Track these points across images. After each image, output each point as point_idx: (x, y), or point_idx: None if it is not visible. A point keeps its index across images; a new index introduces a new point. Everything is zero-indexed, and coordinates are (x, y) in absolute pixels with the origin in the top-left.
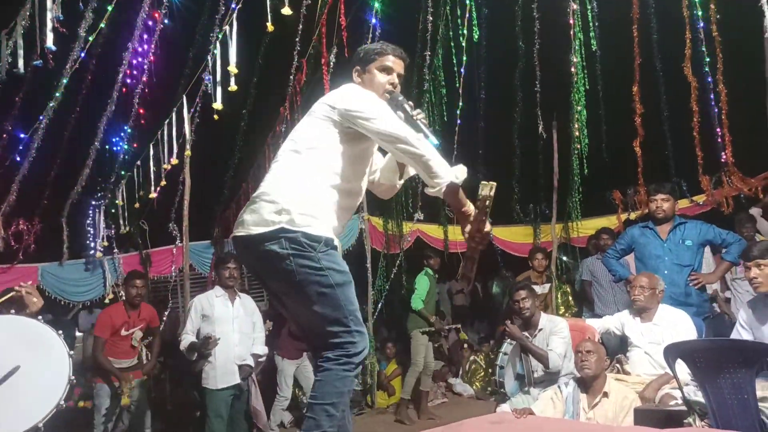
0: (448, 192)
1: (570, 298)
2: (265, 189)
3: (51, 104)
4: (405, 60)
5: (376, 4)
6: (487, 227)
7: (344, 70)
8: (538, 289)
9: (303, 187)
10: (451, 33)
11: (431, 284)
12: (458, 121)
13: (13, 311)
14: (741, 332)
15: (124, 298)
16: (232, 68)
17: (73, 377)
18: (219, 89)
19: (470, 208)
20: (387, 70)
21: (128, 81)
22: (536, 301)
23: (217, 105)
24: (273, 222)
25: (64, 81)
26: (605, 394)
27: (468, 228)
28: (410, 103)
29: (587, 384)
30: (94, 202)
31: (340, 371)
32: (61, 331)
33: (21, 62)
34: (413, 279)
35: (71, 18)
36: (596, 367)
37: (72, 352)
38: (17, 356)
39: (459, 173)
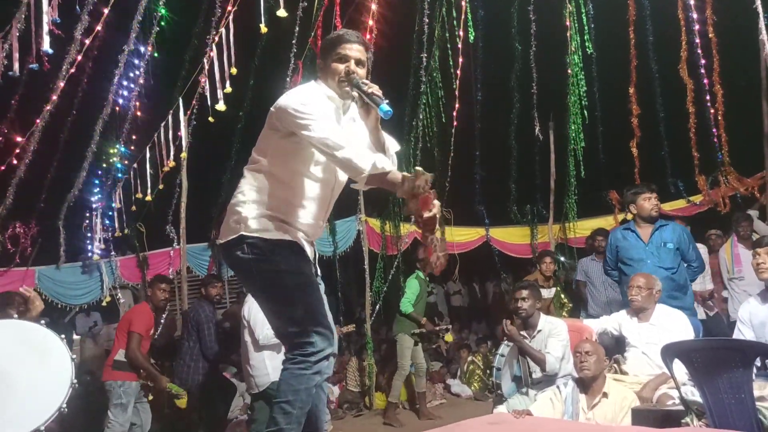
0: (372, 180)
1: (562, 296)
2: (232, 201)
3: (47, 107)
4: (363, 44)
5: (372, 6)
6: (430, 213)
7: None
8: (545, 293)
9: (261, 195)
10: (447, 34)
11: (421, 287)
12: (455, 123)
13: (15, 315)
14: (742, 329)
15: (122, 301)
16: (232, 69)
17: (75, 381)
18: (219, 91)
19: (406, 185)
20: (343, 59)
21: (124, 83)
22: (537, 302)
23: (220, 106)
24: (235, 230)
25: (61, 84)
26: (605, 395)
27: (411, 207)
28: (365, 80)
29: (586, 384)
30: (90, 205)
31: (295, 370)
32: (63, 336)
33: (17, 65)
34: None
35: (67, 21)
36: (595, 368)
37: (75, 357)
38: (19, 360)
39: (378, 162)
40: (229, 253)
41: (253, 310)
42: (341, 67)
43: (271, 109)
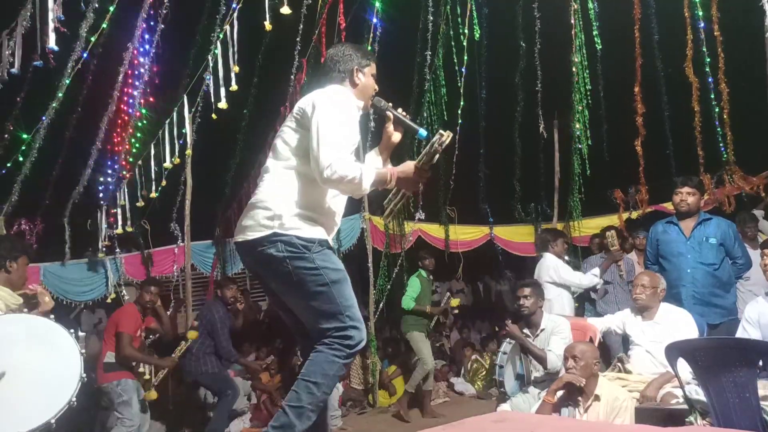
0: (376, 185)
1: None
2: (259, 197)
3: (53, 104)
4: None
5: (377, 4)
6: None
7: None
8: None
9: (292, 193)
10: (451, 32)
11: (424, 285)
12: (459, 121)
13: (25, 310)
14: (747, 328)
15: (126, 298)
16: (235, 67)
17: (84, 375)
18: (222, 89)
19: (408, 168)
20: (374, 77)
21: (129, 80)
22: (540, 301)
23: (223, 104)
24: (267, 227)
25: (66, 81)
26: (596, 397)
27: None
28: (390, 103)
29: (579, 388)
30: (96, 202)
31: (330, 354)
32: (72, 330)
33: (20, 62)
34: None
35: (72, 17)
36: (584, 374)
37: (84, 351)
38: (29, 354)
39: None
40: (256, 251)
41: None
42: (374, 84)
43: (303, 106)
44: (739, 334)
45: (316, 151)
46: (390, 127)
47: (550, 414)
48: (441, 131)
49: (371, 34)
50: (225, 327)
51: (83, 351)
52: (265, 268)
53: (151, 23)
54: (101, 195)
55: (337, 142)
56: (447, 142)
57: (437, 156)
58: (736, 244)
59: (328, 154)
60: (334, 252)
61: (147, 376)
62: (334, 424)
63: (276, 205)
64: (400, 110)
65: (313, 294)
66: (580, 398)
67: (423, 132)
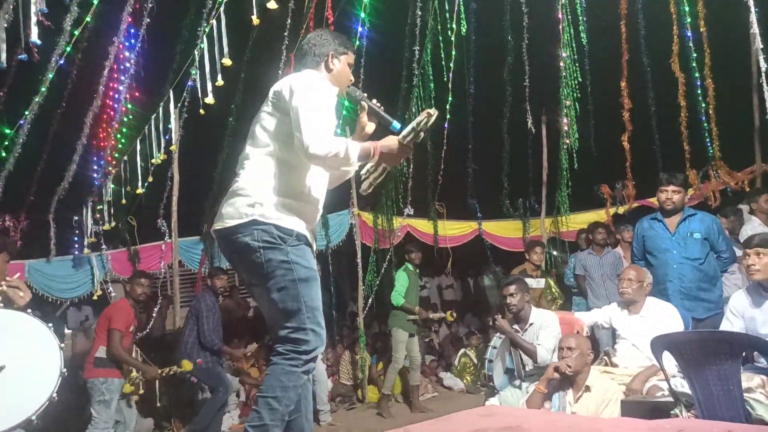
0: (362, 159)
1: (554, 291)
2: (240, 184)
3: (36, 99)
4: None
5: None
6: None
7: None
8: (534, 283)
9: (273, 180)
10: (439, 27)
11: (411, 279)
12: (447, 116)
13: (1, 305)
14: (731, 319)
15: (113, 295)
16: (226, 60)
17: (64, 370)
18: (209, 84)
19: (392, 143)
20: (350, 66)
21: (115, 75)
22: (526, 296)
23: (209, 100)
24: (246, 214)
25: (50, 75)
26: (587, 388)
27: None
28: (365, 94)
29: (570, 378)
30: (81, 198)
31: (287, 366)
32: (51, 324)
33: (4, 56)
34: None
35: (56, 11)
36: (577, 364)
37: (63, 345)
38: (5, 350)
39: (352, 152)
40: (232, 239)
41: None
42: (350, 74)
43: (279, 90)
44: (723, 325)
45: (299, 130)
46: (364, 117)
47: (541, 403)
48: (429, 111)
49: (359, 30)
50: (211, 315)
51: (62, 345)
52: (238, 256)
53: (137, 17)
54: (87, 191)
55: (319, 121)
56: (432, 120)
57: (422, 134)
58: (720, 238)
59: (312, 132)
60: (311, 249)
61: (134, 374)
62: (324, 420)
63: (257, 192)
64: (374, 101)
65: (279, 288)
66: (571, 388)
67: (396, 124)
